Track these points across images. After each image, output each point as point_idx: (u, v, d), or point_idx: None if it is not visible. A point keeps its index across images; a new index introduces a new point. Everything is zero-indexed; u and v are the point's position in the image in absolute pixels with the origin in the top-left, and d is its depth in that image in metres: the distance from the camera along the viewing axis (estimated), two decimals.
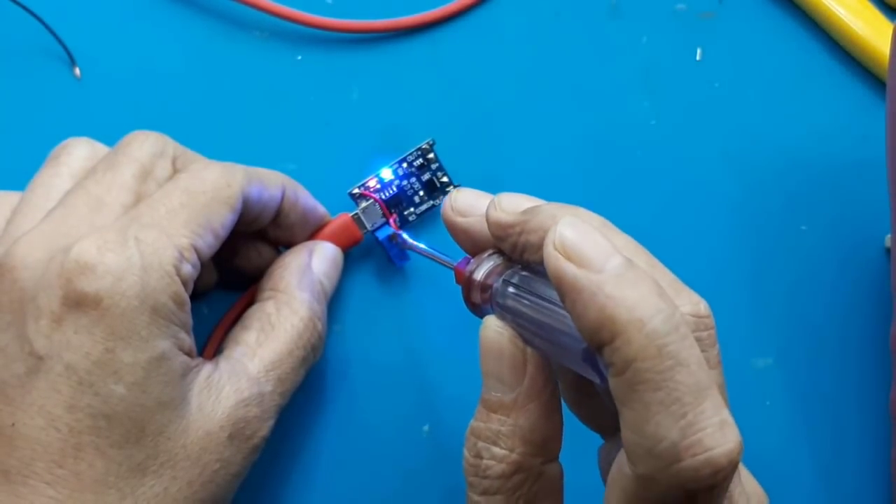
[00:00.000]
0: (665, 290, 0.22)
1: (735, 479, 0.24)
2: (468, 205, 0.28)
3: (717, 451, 0.21)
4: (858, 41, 0.39)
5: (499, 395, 0.25)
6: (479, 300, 0.27)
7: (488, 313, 0.26)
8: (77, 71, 0.37)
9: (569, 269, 0.22)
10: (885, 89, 0.34)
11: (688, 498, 0.21)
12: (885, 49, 0.38)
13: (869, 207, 0.38)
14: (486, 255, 0.27)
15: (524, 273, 0.25)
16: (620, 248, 0.24)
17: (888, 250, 0.37)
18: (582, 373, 0.24)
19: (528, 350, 0.25)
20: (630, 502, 0.22)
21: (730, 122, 0.39)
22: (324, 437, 0.35)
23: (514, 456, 0.25)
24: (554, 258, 0.22)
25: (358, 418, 0.35)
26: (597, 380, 0.23)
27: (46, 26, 0.37)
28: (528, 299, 0.25)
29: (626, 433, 0.22)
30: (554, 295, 0.23)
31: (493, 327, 0.25)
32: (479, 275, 0.26)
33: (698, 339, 0.24)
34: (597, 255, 0.22)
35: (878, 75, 0.39)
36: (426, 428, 0.35)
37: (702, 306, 0.24)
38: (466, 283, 0.27)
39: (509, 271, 0.26)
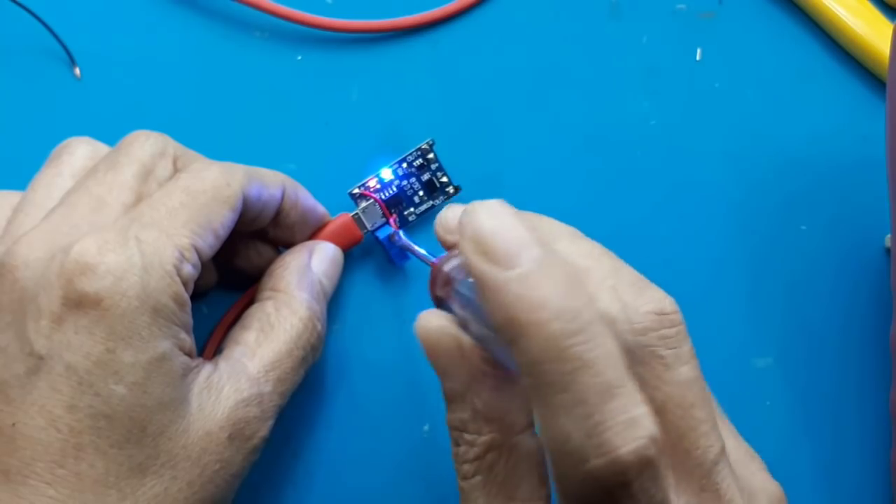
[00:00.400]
0: (581, 288, 0.21)
1: (724, 473, 0.24)
2: (454, 222, 0.28)
3: (624, 449, 0.21)
4: (858, 41, 0.39)
5: (451, 384, 0.25)
6: (441, 293, 0.27)
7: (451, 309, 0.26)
8: (77, 71, 0.37)
9: (477, 264, 0.22)
10: (885, 89, 0.34)
11: (605, 495, 0.21)
12: (885, 49, 0.38)
13: (869, 207, 0.38)
14: (456, 251, 0.27)
15: None
16: (584, 255, 0.24)
17: (888, 250, 0.37)
18: (512, 368, 0.24)
19: (462, 336, 0.25)
20: (559, 499, 0.23)
21: (730, 122, 0.39)
22: (324, 436, 0.35)
23: (482, 438, 0.25)
24: (467, 252, 0.22)
25: (358, 418, 0.35)
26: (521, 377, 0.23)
27: (46, 26, 0.37)
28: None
29: (540, 431, 0.22)
30: None
31: (424, 324, 0.25)
32: (446, 268, 0.26)
33: (664, 337, 0.23)
34: (510, 249, 0.21)
35: (878, 75, 0.39)
36: (426, 428, 0.35)
37: (666, 303, 0.24)
38: (432, 277, 0.27)
39: None
